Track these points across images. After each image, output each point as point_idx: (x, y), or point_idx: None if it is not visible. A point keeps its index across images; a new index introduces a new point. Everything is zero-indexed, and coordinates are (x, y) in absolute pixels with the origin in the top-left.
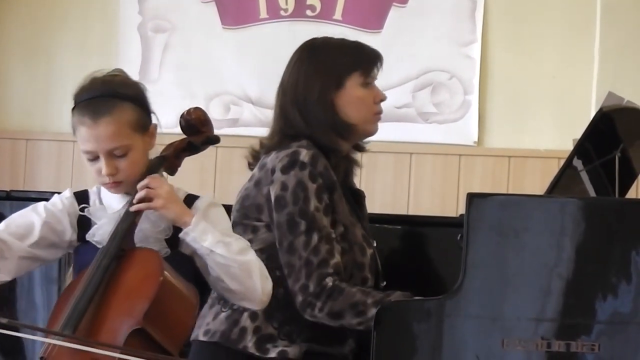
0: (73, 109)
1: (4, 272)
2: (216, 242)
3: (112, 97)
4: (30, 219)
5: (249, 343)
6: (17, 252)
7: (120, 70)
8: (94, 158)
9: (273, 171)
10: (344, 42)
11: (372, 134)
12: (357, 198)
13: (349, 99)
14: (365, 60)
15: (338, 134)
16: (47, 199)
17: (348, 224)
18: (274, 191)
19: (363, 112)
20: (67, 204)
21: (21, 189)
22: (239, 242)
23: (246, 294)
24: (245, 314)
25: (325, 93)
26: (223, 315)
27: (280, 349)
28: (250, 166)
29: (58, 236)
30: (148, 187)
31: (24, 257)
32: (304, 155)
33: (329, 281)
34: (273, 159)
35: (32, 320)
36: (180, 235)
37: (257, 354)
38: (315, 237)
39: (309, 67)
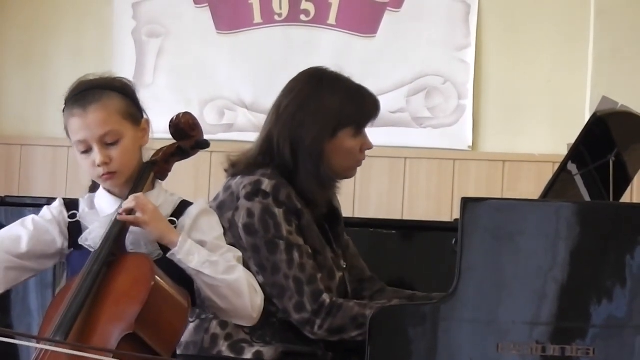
0: (64, 110)
1: None
2: (202, 262)
3: (100, 89)
4: (17, 232)
5: (223, 347)
6: (3, 263)
7: (112, 73)
8: (87, 149)
9: (237, 197)
10: (350, 89)
11: (349, 178)
12: (332, 217)
13: (339, 148)
14: (364, 115)
15: (319, 182)
16: (41, 205)
17: (318, 248)
18: (240, 218)
19: (348, 162)
20: (55, 213)
21: (16, 195)
22: (227, 258)
23: (236, 313)
24: (215, 322)
25: (318, 141)
26: (192, 325)
27: (256, 349)
28: (227, 173)
29: (47, 247)
30: (135, 202)
31: (11, 268)
32: (266, 184)
33: (326, 298)
34: (237, 184)
35: (28, 326)
36: (168, 255)
37: (233, 355)
38: (296, 255)
39: (309, 109)
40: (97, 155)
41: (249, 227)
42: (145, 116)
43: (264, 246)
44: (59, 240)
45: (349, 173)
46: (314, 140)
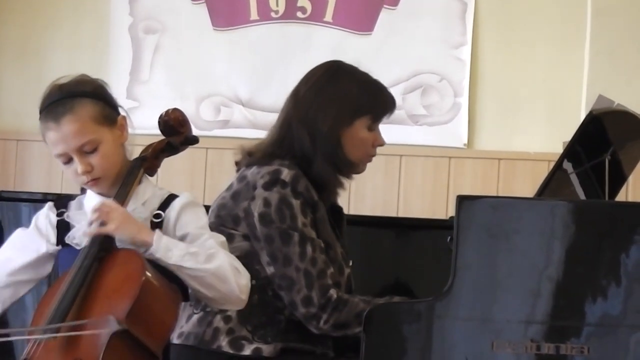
0: (39, 119)
1: None
2: (182, 256)
3: (70, 97)
4: (7, 253)
5: (223, 342)
6: None
7: (82, 74)
8: (68, 160)
9: (254, 187)
10: (367, 80)
11: (359, 173)
12: (336, 215)
13: (353, 138)
14: (380, 108)
15: (335, 168)
16: (37, 200)
17: (330, 242)
18: (256, 207)
19: (360, 153)
20: (42, 218)
21: (12, 190)
22: (208, 245)
23: (225, 299)
24: (219, 316)
25: (335, 127)
26: (196, 317)
27: (255, 346)
28: (238, 165)
29: (36, 255)
30: (100, 211)
31: (4, 287)
32: (285, 174)
33: (333, 293)
34: (254, 174)
35: (23, 321)
36: (146, 255)
37: (232, 351)
38: (309, 248)
39: (327, 95)
40: (78, 165)
41: (264, 217)
42: (121, 112)
43: (277, 236)
44: (45, 246)
45: (359, 167)
46: (332, 125)
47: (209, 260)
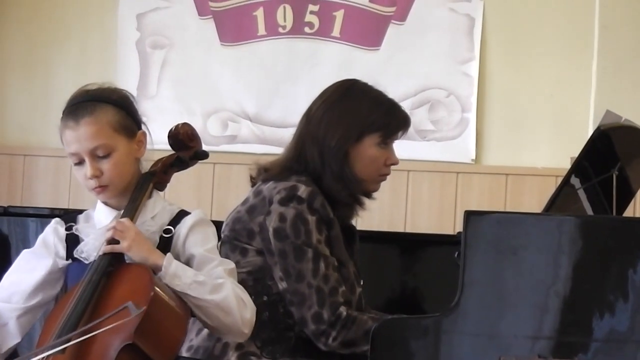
0: (61, 120)
1: (9, 337)
2: (189, 284)
3: (94, 101)
4: (14, 277)
5: (232, 357)
6: (12, 312)
7: (111, 84)
8: (80, 162)
9: (270, 202)
10: (380, 97)
11: (372, 192)
12: (349, 234)
13: (361, 154)
14: (391, 125)
15: (344, 184)
16: (44, 215)
17: (343, 260)
18: (271, 222)
19: (370, 171)
20: (49, 233)
21: (19, 205)
22: (216, 274)
23: (227, 330)
24: None
25: (343, 143)
26: (205, 331)
27: None
28: (253, 180)
29: (47, 273)
30: (114, 229)
31: (22, 315)
32: (302, 190)
33: (343, 310)
34: (270, 189)
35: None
36: (155, 278)
37: None
38: (322, 265)
39: (337, 110)
40: (88, 168)
41: (279, 232)
42: (143, 128)
43: (291, 252)
44: (54, 260)
45: (371, 185)
46: (339, 141)
47: (215, 291)
